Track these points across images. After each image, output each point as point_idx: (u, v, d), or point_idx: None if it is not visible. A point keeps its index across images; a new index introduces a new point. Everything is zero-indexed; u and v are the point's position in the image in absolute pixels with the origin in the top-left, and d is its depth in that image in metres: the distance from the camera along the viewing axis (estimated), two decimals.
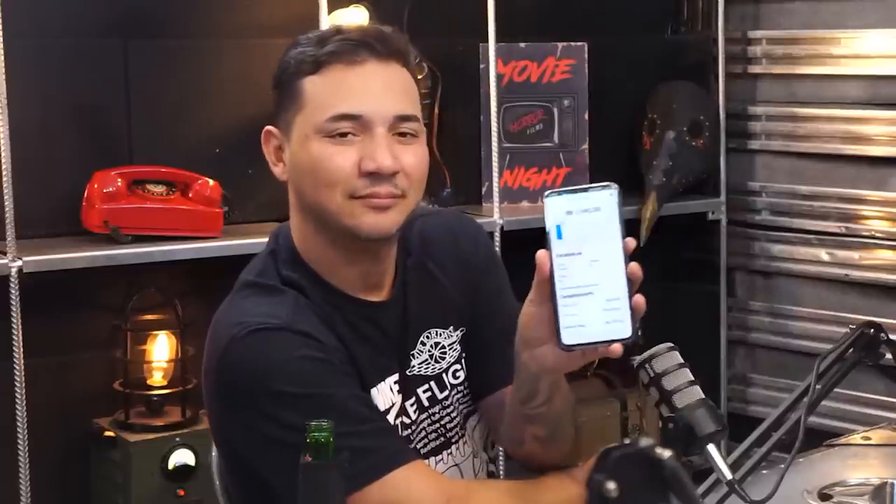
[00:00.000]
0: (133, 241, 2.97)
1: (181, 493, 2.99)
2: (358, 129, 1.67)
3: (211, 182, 3.10)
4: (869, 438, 2.17)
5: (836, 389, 1.86)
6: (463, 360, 1.87)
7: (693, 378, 1.61)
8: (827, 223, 3.71)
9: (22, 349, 2.83)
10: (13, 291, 2.80)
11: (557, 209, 1.46)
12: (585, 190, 1.46)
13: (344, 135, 1.67)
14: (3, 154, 2.80)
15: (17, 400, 2.83)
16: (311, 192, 1.72)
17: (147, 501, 2.98)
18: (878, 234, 3.60)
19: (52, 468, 3.07)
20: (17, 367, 2.83)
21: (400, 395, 1.78)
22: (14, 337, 2.82)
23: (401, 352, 1.80)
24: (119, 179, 3.00)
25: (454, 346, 1.85)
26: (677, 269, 3.99)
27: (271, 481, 1.66)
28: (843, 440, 2.17)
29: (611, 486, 1.19)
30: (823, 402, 1.84)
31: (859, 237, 3.64)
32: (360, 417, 1.65)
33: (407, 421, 1.79)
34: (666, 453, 1.22)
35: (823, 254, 3.72)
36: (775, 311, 3.87)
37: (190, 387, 3.10)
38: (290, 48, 1.77)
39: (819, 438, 2.12)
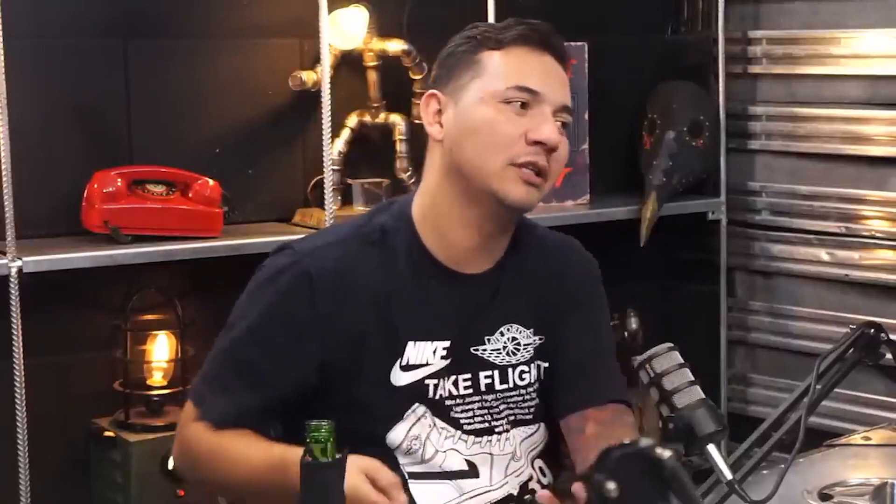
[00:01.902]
0: (133, 241, 2.97)
1: (181, 493, 2.99)
2: (532, 103, 1.82)
3: (211, 182, 3.10)
4: (869, 438, 2.17)
5: (836, 389, 1.86)
6: (533, 367, 1.93)
7: (693, 378, 1.61)
8: (827, 223, 3.71)
9: (22, 349, 2.83)
10: (13, 291, 2.80)
11: None
12: None
13: (522, 104, 1.81)
14: (3, 154, 2.80)
15: (17, 400, 2.83)
16: (469, 150, 1.82)
17: (147, 501, 2.98)
18: (878, 234, 3.60)
19: (52, 468, 3.07)
20: (17, 367, 2.83)
21: (445, 363, 1.86)
22: (14, 337, 2.82)
23: (472, 328, 1.89)
24: (119, 179, 3.00)
25: (529, 348, 1.93)
26: (677, 269, 3.99)
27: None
28: (843, 440, 2.17)
29: (611, 486, 1.19)
30: (823, 402, 1.84)
31: (859, 237, 3.64)
32: (238, 359, 1.87)
33: (454, 392, 1.87)
34: (666, 453, 1.22)
35: (823, 254, 3.72)
36: (775, 311, 3.87)
37: (190, 387, 3.10)
38: (464, 31, 1.94)
39: (819, 438, 2.12)
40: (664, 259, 3.88)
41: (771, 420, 1.79)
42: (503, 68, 1.83)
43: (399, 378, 1.86)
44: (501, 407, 1.91)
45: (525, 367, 1.92)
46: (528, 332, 1.93)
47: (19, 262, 2.81)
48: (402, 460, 1.87)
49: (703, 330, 3.90)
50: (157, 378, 3.14)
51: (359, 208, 3.31)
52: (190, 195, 3.08)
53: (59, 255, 2.89)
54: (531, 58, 1.84)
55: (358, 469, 1.63)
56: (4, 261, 2.80)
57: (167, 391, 3.11)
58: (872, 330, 1.86)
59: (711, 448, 1.57)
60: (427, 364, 1.86)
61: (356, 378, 1.84)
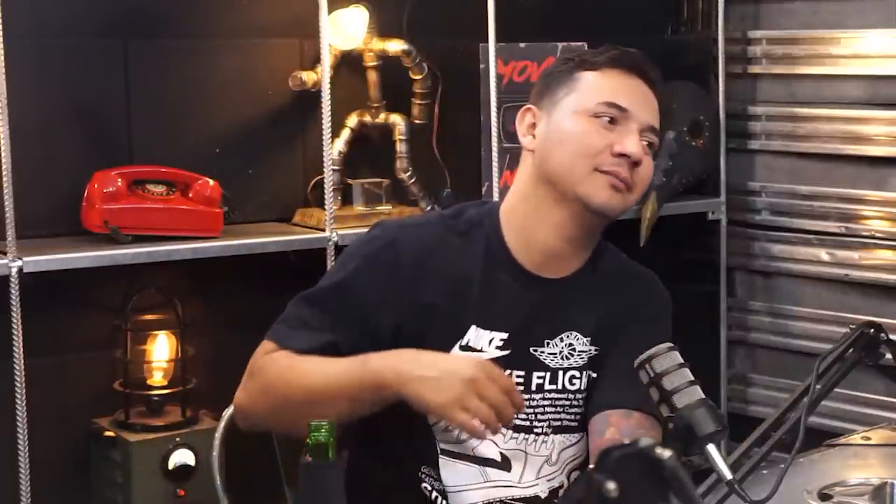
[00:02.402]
0: (133, 241, 2.97)
1: (181, 493, 2.99)
2: (620, 119, 1.93)
3: (211, 182, 3.10)
4: (869, 438, 2.17)
5: (836, 389, 1.86)
6: (584, 375, 1.97)
7: (693, 378, 1.61)
8: (827, 223, 3.71)
9: (22, 349, 2.83)
10: (13, 291, 2.80)
11: None
12: None
13: (609, 120, 1.92)
14: (3, 154, 2.80)
15: (17, 400, 2.83)
16: (558, 158, 1.93)
17: (147, 501, 2.98)
18: (878, 234, 3.60)
19: (52, 468, 3.07)
20: (17, 367, 2.83)
21: (501, 354, 1.93)
22: (14, 337, 2.82)
23: (533, 329, 1.95)
24: (119, 179, 3.00)
25: (583, 355, 1.97)
26: (677, 269, 3.99)
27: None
28: (843, 440, 2.17)
29: (611, 486, 1.19)
30: (823, 402, 1.83)
31: (859, 237, 3.64)
32: (322, 303, 1.96)
33: None
34: (666, 453, 1.22)
35: (823, 254, 3.72)
36: (775, 311, 3.87)
37: (190, 387, 3.10)
38: (563, 55, 2.13)
39: (819, 438, 2.12)
40: (664, 259, 3.86)
41: (771, 420, 1.79)
42: (596, 86, 1.94)
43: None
44: (547, 409, 1.95)
45: (576, 373, 1.97)
46: (585, 340, 1.98)
47: (19, 262, 2.81)
48: (437, 437, 1.92)
49: (703, 330, 3.90)
50: (157, 378, 3.14)
51: (359, 208, 3.31)
52: (190, 195, 3.08)
53: (59, 255, 2.89)
54: (623, 79, 1.95)
55: (478, 363, 1.77)
56: (4, 261, 2.80)
57: (167, 391, 3.11)
58: (872, 330, 1.86)
59: (711, 448, 1.57)
60: (482, 350, 1.92)
61: (420, 348, 1.89)
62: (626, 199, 1.93)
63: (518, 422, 1.93)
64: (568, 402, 1.97)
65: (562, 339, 1.96)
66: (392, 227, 2.02)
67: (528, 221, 1.96)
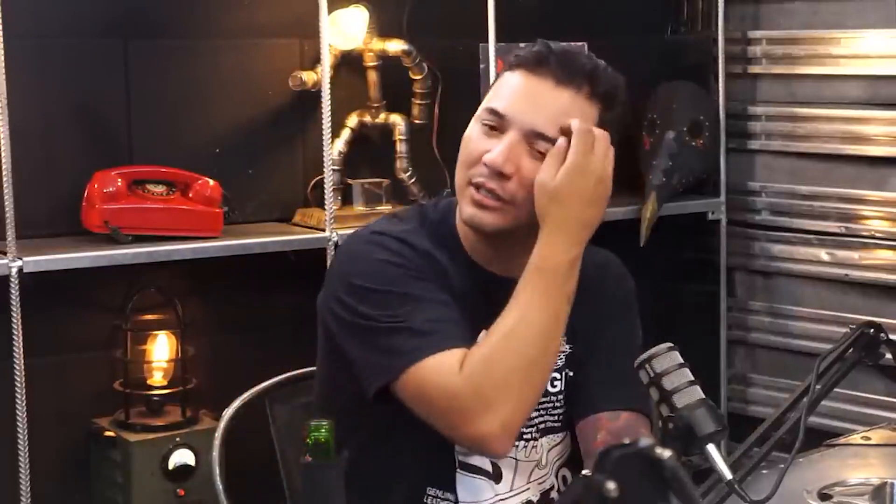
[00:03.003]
0: (133, 241, 2.97)
1: (181, 493, 2.99)
2: (501, 126, 1.80)
3: (211, 182, 3.10)
4: (869, 438, 2.17)
5: (836, 389, 1.86)
6: (563, 375, 1.93)
7: (693, 378, 1.61)
8: (827, 223, 3.71)
9: (22, 349, 2.83)
10: (13, 291, 2.80)
11: None
12: None
13: (492, 127, 1.81)
14: (3, 154, 2.80)
15: (17, 400, 2.83)
16: (456, 168, 1.86)
17: (147, 501, 2.98)
18: (878, 234, 3.60)
19: (52, 468, 3.07)
20: (17, 367, 2.83)
21: None
22: (14, 337, 2.82)
23: None
24: (119, 179, 3.00)
25: (561, 355, 1.91)
26: (677, 269, 4.00)
27: (349, 354, 1.82)
28: (843, 440, 2.17)
29: (611, 486, 1.19)
30: (823, 402, 1.83)
31: (859, 237, 3.64)
32: (427, 316, 1.77)
33: None
34: (666, 453, 1.22)
35: (823, 254, 3.72)
36: (775, 311, 3.87)
37: (190, 387, 3.10)
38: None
39: (819, 438, 2.12)
40: (664, 259, 3.88)
41: (771, 420, 1.79)
42: (495, 90, 1.85)
43: None
44: (532, 413, 1.89)
45: (556, 374, 1.92)
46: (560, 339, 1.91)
47: (19, 262, 2.81)
48: (458, 448, 1.87)
49: (703, 330, 3.90)
50: (157, 378, 3.14)
51: (359, 208, 3.31)
52: (190, 195, 3.08)
53: (59, 255, 2.89)
54: (521, 80, 1.81)
55: None
56: (4, 261, 2.80)
57: (167, 391, 3.11)
58: (872, 330, 1.86)
59: (711, 448, 1.57)
60: None
61: None
62: (497, 215, 1.80)
63: None
64: (551, 405, 1.93)
65: None
66: (390, 232, 1.87)
67: (462, 231, 1.89)
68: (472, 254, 1.88)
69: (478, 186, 1.80)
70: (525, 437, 1.90)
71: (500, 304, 1.80)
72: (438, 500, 1.88)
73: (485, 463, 1.89)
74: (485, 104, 1.84)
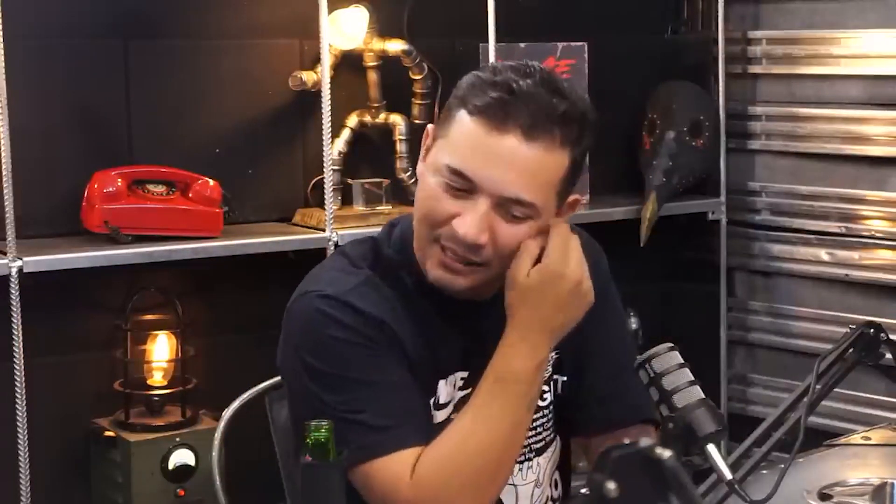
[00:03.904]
0: (133, 241, 2.97)
1: (181, 493, 2.99)
2: (468, 188, 1.67)
3: (211, 182, 3.10)
4: (869, 438, 2.17)
5: (836, 389, 1.86)
6: (552, 383, 1.88)
7: (693, 378, 1.61)
8: (827, 223, 3.71)
9: (22, 349, 2.83)
10: (13, 291, 2.80)
11: None
12: None
13: (455, 188, 1.68)
14: (3, 154, 2.80)
15: (17, 400, 2.83)
16: (416, 211, 1.75)
17: (147, 501, 2.98)
18: (878, 234, 3.60)
19: (52, 468, 3.07)
20: (17, 367, 2.83)
21: (464, 393, 1.79)
22: (14, 337, 2.82)
23: (487, 355, 1.75)
24: (119, 179, 3.00)
25: (546, 365, 1.82)
26: (677, 269, 3.99)
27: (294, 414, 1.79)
28: (843, 440, 2.17)
29: (611, 486, 1.19)
30: (823, 402, 1.83)
31: (859, 237, 3.64)
32: (387, 407, 1.69)
33: None
34: (666, 453, 1.22)
35: (823, 254, 3.72)
36: (775, 311, 3.87)
37: (190, 387, 3.10)
38: (481, 69, 1.76)
39: (819, 438, 2.12)
40: (664, 259, 3.88)
41: (771, 420, 1.79)
42: (454, 141, 1.69)
43: (436, 416, 1.80)
44: (527, 433, 1.82)
45: (545, 387, 1.86)
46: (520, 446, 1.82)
47: (19, 262, 2.81)
48: None
49: (703, 330, 3.90)
50: (157, 378, 3.14)
51: (359, 208, 3.31)
52: (190, 195, 3.08)
53: (59, 255, 2.89)
54: (487, 139, 1.65)
55: None
56: (4, 261, 2.80)
57: (167, 391, 3.11)
58: (872, 330, 1.86)
59: (711, 448, 1.57)
60: (451, 401, 1.80)
61: None
62: (468, 279, 1.71)
63: None
64: (545, 419, 1.87)
65: None
66: (339, 294, 1.74)
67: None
68: (438, 283, 1.76)
69: (443, 248, 1.70)
70: (520, 459, 1.84)
71: (470, 327, 1.77)
72: None
73: None
74: (444, 157, 1.68)
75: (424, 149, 1.77)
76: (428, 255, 1.73)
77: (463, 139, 1.68)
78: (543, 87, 1.68)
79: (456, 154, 1.68)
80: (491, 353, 1.75)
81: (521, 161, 1.65)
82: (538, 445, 1.88)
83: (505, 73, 1.69)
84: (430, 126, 1.78)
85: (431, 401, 1.79)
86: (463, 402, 1.77)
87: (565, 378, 1.90)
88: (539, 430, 1.88)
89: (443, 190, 1.68)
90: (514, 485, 1.86)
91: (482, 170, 1.66)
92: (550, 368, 1.87)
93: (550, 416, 1.89)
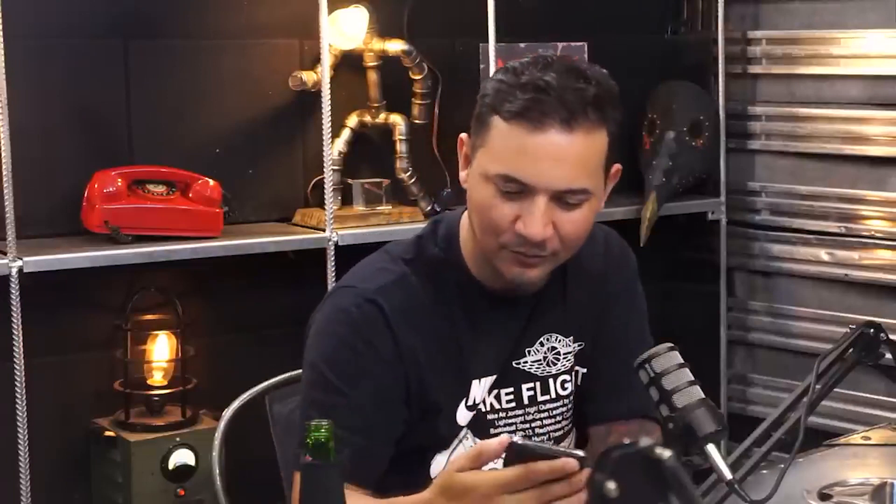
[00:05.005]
0: (133, 241, 2.97)
1: (181, 493, 2.99)
2: (523, 191, 1.71)
3: (211, 182, 3.10)
4: (869, 438, 2.17)
5: (836, 389, 1.86)
6: (574, 374, 1.91)
7: (693, 378, 1.61)
8: (827, 223, 3.71)
9: (22, 349, 2.83)
10: (13, 291, 2.80)
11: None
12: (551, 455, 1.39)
13: (509, 193, 1.71)
14: (3, 154, 2.81)
15: (17, 400, 2.83)
16: (475, 222, 1.78)
17: (147, 501, 2.98)
18: (878, 234, 3.60)
19: (52, 468, 3.07)
20: (17, 367, 2.83)
21: (491, 380, 1.84)
22: (14, 337, 2.82)
23: (515, 344, 1.85)
24: (119, 179, 3.00)
25: (569, 356, 1.90)
26: (677, 269, 3.99)
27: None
28: (843, 440, 2.16)
29: (611, 486, 1.19)
30: (823, 402, 1.83)
31: (859, 237, 3.64)
32: (346, 424, 1.70)
33: (496, 406, 1.85)
34: (666, 453, 1.22)
35: (823, 254, 3.72)
36: (775, 311, 3.87)
37: (190, 387, 3.10)
38: (501, 72, 1.78)
39: (819, 438, 2.12)
40: (664, 259, 3.88)
41: (771, 420, 1.79)
42: (498, 148, 1.73)
43: (464, 417, 1.84)
44: (545, 420, 1.89)
45: (566, 377, 1.90)
46: (567, 339, 1.91)
47: (19, 262, 2.81)
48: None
49: (703, 330, 3.90)
50: (157, 378, 3.14)
51: (359, 208, 3.31)
52: (190, 195, 3.08)
53: (59, 255, 2.89)
54: (529, 141, 1.70)
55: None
56: (4, 261, 2.80)
57: (167, 391, 3.11)
58: (872, 330, 1.86)
59: (711, 448, 1.57)
60: (483, 402, 1.84)
61: (426, 417, 1.81)
62: (542, 269, 1.78)
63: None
64: (564, 408, 1.91)
65: (542, 344, 1.88)
66: (368, 291, 1.79)
67: (477, 261, 1.83)
68: (480, 278, 1.83)
69: (514, 252, 1.75)
70: None
71: (503, 330, 1.82)
72: None
73: None
74: (492, 167, 1.72)
75: (463, 158, 1.81)
76: (499, 260, 1.76)
77: (506, 145, 1.72)
78: (568, 76, 1.73)
79: (503, 161, 1.71)
80: (518, 356, 1.84)
81: (566, 153, 1.71)
82: (556, 434, 1.91)
83: (528, 72, 1.73)
84: (463, 135, 1.82)
85: (463, 402, 1.82)
86: (507, 396, 1.83)
87: (585, 370, 1.93)
88: (559, 418, 1.91)
89: (498, 197, 1.72)
90: None
91: (532, 170, 1.70)
92: (573, 359, 1.90)
93: (570, 406, 1.92)
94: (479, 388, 1.84)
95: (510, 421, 1.87)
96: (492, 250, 1.76)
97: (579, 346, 1.91)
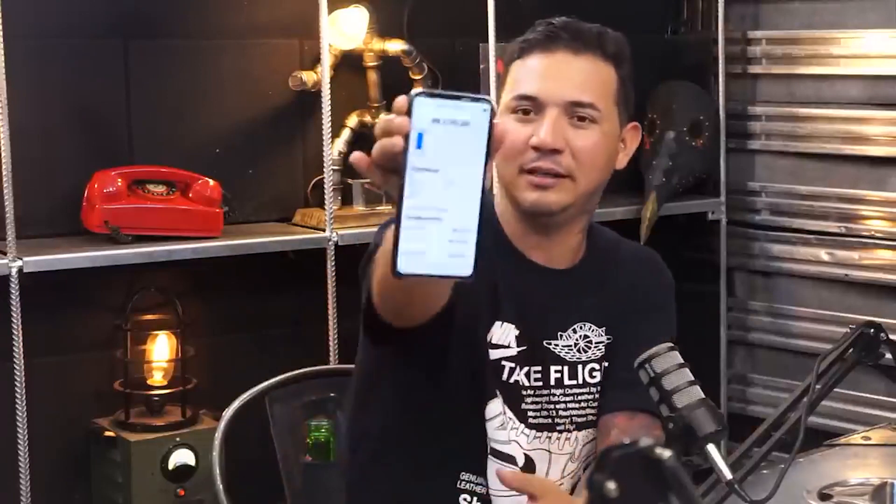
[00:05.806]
0: (133, 241, 2.97)
1: (181, 493, 2.99)
2: (535, 108, 1.83)
3: (211, 182, 3.10)
4: (869, 438, 2.17)
5: (836, 389, 1.86)
6: (601, 366, 1.94)
7: (693, 378, 1.61)
8: (827, 223, 3.71)
9: (22, 349, 2.83)
10: (13, 291, 2.81)
11: (424, 114, 1.25)
12: (458, 98, 1.25)
13: (526, 112, 1.83)
14: (3, 154, 2.81)
15: (17, 400, 2.83)
16: (498, 163, 1.86)
17: (147, 501, 2.98)
18: (878, 234, 3.60)
19: (52, 468, 3.07)
20: (17, 367, 2.83)
21: (518, 350, 1.88)
22: (14, 337, 2.82)
23: (545, 321, 1.90)
24: (119, 179, 3.00)
25: (600, 346, 1.94)
26: (677, 269, 3.96)
27: None
28: (843, 440, 2.17)
29: (611, 486, 1.19)
30: (823, 402, 1.83)
31: (859, 237, 3.64)
32: None
33: (525, 383, 1.89)
34: (666, 453, 1.22)
35: (823, 254, 3.72)
36: (775, 311, 3.87)
37: (190, 387, 3.10)
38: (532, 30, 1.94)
39: (819, 438, 2.13)
40: (664, 259, 3.87)
41: (771, 420, 1.79)
42: (515, 79, 1.87)
43: (491, 353, 1.89)
44: (569, 405, 1.92)
45: (596, 366, 1.93)
46: (600, 330, 1.94)
47: (19, 262, 2.81)
48: (490, 434, 1.87)
49: (703, 330, 3.90)
50: (157, 378, 3.14)
51: (359, 208, 3.31)
52: (190, 195, 3.08)
53: (59, 255, 2.89)
54: (538, 60, 1.86)
55: None
56: (4, 261, 2.80)
57: (167, 391, 3.11)
58: (872, 330, 1.86)
59: (711, 448, 1.56)
60: (508, 346, 1.88)
61: (467, 336, 1.84)
62: (560, 193, 1.84)
63: (539, 420, 1.89)
64: (591, 396, 1.93)
65: (575, 331, 1.92)
66: None
67: (511, 227, 1.91)
68: (514, 242, 1.90)
69: (531, 171, 1.82)
70: (558, 427, 1.91)
71: (539, 293, 1.87)
72: (472, 484, 1.88)
73: (517, 452, 1.89)
74: (510, 95, 1.85)
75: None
76: (519, 189, 1.84)
77: (520, 73, 1.86)
78: (579, 22, 1.93)
79: (517, 85, 1.85)
80: (547, 319, 1.89)
81: (574, 70, 1.86)
82: (580, 420, 1.93)
83: (541, 23, 1.91)
84: (500, 60, 1.98)
85: (488, 336, 1.87)
86: (518, 359, 1.86)
87: (608, 365, 1.95)
88: (584, 405, 1.93)
89: (515, 122, 1.83)
90: (548, 451, 1.91)
91: (542, 84, 1.83)
92: (604, 349, 1.93)
93: (597, 396, 1.94)
94: (500, 331, 1.87)
95: (536, 399, 1.90)
96: (511, 180, 1.84)
97: (609, 339, 1.94)
